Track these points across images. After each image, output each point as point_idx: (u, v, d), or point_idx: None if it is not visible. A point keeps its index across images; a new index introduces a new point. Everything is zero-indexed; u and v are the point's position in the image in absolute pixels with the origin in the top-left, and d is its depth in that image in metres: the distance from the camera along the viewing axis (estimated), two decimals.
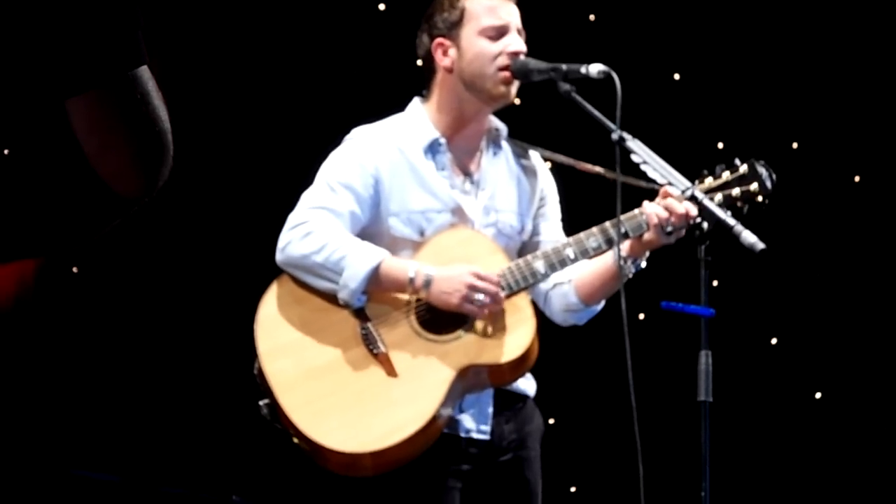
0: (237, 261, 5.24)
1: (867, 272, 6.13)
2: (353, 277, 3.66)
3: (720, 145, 5.94)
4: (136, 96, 1.64)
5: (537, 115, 5.00)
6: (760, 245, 3.55)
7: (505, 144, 3.91)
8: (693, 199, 3.69)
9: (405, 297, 3.72)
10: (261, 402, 3.70)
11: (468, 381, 3.68)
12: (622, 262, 3.73)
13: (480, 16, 3.81)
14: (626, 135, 3.70)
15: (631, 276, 3.77)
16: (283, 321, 3.72)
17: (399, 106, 3.90)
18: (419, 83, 3.89)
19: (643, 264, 3.80)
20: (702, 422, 3.62)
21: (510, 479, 3.79)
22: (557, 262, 3.75)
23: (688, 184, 3.72)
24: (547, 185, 3.96)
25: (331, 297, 3.71)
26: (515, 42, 3.80)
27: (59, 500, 5.03)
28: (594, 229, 3.76)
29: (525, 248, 3.88)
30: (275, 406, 3.66)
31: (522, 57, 3.78)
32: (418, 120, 3.85)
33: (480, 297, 3.66)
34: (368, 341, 3.69)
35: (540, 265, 3.75)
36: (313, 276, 3.70)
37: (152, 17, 1.72)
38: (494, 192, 3.85)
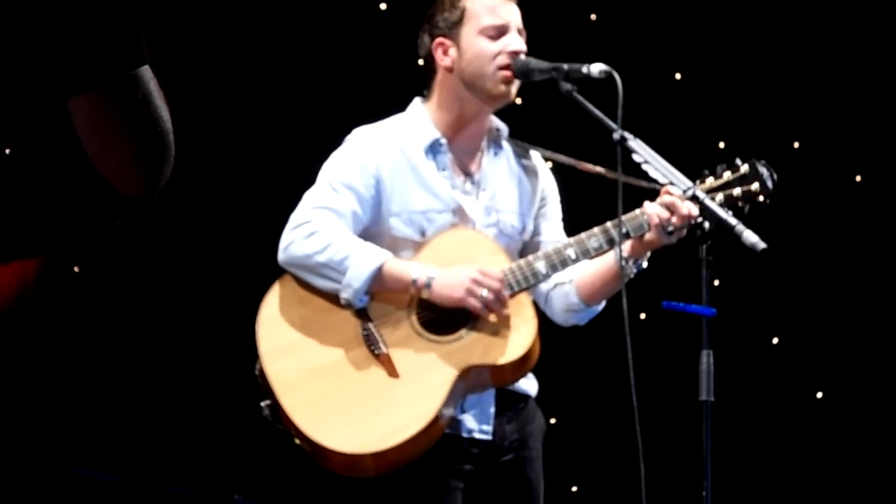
0: (239, 261, 5.23)
1: (868, 272, 6.13)
2: (356, 277, 3.66)
3: (721, 145, 5.94)
4: (138, 96, 1.64)
5: (538, 115, 5.00)
6: (762, 245, 3.55)
7: (506, 144, 3.91)
8: (694, 198, 3.69)
9: (407, 297, 3.72)
10: (262, 403, 3.70)
11: (470, 381, 3.68)
12: (623, 262, 3.73)
13: (481, 15, 3.80)
14: (627, 134, 3.70)
15: (632, 276, 3.77)
16: (285, 322, 3.71)
17: (400, 106, 3.90)
18: (420, 83, 3.89)
19: (644, 264, 3.80)
20: (703, 421, 3.62)
21: (512, 479, 3.79)
22: (559, 263, 3.75)
23: (689, 183, 3.72)
24: (548, 185, 3.95)
25: (332, 298, 3.71)
26: (516, 41, 3.79)
27: (61, 500, 5.03)
28: (595, 229, 3.75)
29: (526, 248, 3.88)
30: (276, 407, 3.66)
31: (523, 56, 3.78)
32: (419, 120, 3.84)
33: (484, 291, 3.66)
34: (370, 342, 3.69)
35: (541, 265, 3.75)
36: (316, 276, 3.69)
37: (154, 16, 1.72)
38: (495, 192, 3.85)
